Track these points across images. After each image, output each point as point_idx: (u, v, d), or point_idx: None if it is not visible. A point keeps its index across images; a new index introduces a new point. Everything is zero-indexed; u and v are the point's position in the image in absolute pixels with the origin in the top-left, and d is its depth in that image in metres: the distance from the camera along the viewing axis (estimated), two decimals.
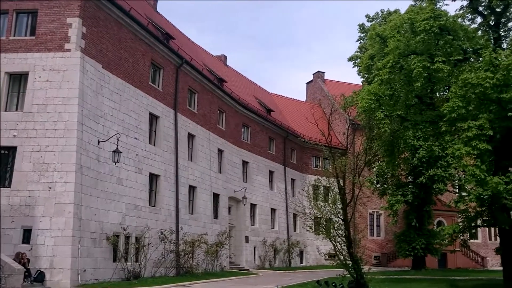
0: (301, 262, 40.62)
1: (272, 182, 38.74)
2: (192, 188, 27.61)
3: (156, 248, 22.65)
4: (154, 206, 23.82)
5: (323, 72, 52.40)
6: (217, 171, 30.89)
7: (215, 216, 30.03)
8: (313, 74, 52.90)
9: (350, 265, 18.46)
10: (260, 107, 39.06)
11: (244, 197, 33.34)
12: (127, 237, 21.11)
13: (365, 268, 19.10)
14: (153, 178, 24.05)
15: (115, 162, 20.22)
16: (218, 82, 32.19)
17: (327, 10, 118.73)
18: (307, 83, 54.74)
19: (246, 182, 34.93)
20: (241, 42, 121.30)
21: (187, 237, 25.43)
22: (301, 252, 40.76)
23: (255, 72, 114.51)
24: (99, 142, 19.88)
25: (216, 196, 30.44)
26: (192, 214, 27.33)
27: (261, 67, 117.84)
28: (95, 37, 20.27)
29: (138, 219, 22.02)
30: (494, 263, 44.35)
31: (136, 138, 22.64)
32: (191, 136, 28.23)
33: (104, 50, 20.85)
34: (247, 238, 33.95)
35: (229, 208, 32.79)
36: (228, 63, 42.08)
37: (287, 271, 32.73)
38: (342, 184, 18.99)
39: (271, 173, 38.55)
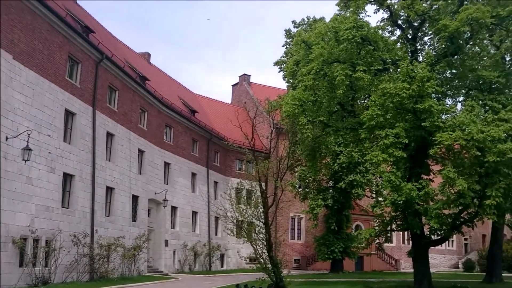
0: (222, 266, 40.62)
1: (195, 185, 38.43)
2: (109, 189, 26.70)
3: (68, 252, 21.65)
4: (68, 208, 22.75)
5: (249, 75, 52.91)
6: (137, 172, 30.12)
7: (134, 218, 29.25)
8: (239, 76, 53.26)
9: (269, 269, 18.74)
10: (184, 107, 38.64)
11: (165, 200, 32.77)
12: (36, 241, 19.97)
13: (285, 271, 19.48)
14: (67, 178, 22.97)
15: (25, 161, 19.08)
16: (140, 80, 31.42)
17: (256, 12, 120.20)
18: (233, 85, 55.00)
19: (167, 184, 34.37)
20: (167, 41, 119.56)
21: (102, 241, 24.53)
22: (222, 256, 40.78)
23: (181, 72, 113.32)
24: (7, 138, 18.65)
25: (135, 198, 29.66)
26: (109, 216, 26.42)
27: (187, 67, 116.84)
28: (5, 25, 19.00)
29: (49, 221, 20.91)
30: (407, 265, 46.97)
31: (49, 136, 21.49)
32: (110, 135, 27.30)
33: (15, 40, 19.61)
34: (166, 241, 33.38)
35: (149, 210, 32.08)
36: (152, 61, 41.26)
37: (207, 275, 32.59)
38: (264, 188, 19.26)
39: (193, 175, 38.23)
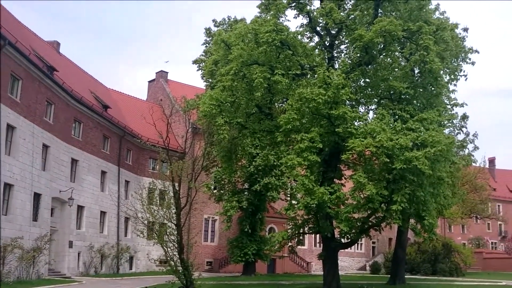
0: (131, 269, 39.59)
1: (104, 183, 37.13)
2: (8, 186, 25.05)
3: None
4: None
5: (167, 72, 52.13)
6: (40, 169, 28.52)
7: (35, 218, 27.66)
8: (156, 73, 52.29)
9: (180, 271, 18.60)
10: (96, 102, 37.21)
11: (71, 198, 31.33)
12: None
13: (196, 274, 19.43)
14: None
15: None
16: (48, 70, 29.80)
17: (176, 8, 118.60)
18: (149, 82, 53.90)
19: (74, 182, 32.88)
20: (81, 31, 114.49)
21: None
22: (131, 258, 39.74)
23: (94, 65, 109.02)
24: None
25: (37, 196, 28.05)
26: (6, 215, 24.77)
27: (101, 60, 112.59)
28: None
29: None
30: (318, 268, 48.63)
31: None
32: (10, 128, 25.63)
33: None
34: (71, 243, 31.93)
35: (52, 209, 30.49)
36: (63, 51, 39.33)
37: (114, 278, 31.61)
38: (177, 188, 19.09)
39: (103, 173, 36.92)
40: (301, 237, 26.33)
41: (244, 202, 35.51)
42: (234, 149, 25.86)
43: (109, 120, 37.27)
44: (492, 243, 72.83)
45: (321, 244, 28.86)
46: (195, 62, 39.70)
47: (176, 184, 19.19)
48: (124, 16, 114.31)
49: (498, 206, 72.57)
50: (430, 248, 45.25)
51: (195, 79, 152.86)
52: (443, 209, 28.95)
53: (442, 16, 25.21)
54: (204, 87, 38.68)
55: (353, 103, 23.79)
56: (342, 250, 41.49)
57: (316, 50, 24.74)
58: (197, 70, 39.54)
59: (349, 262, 55.67)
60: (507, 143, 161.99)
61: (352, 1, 24.39)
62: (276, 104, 26.95)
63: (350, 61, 23.63)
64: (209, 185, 34.93)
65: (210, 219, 45.27)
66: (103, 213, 36.59)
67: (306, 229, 25.63)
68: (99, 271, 34.66)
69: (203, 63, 36.29)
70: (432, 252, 45.61)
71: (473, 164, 35.50)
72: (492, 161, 78.07)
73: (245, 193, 36.95)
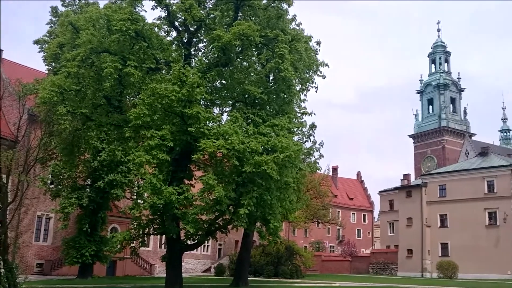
0: None
1: None
2: None
3: None
4: None
5: (1, 50, 47.51)
6: None
7: None
8: None
9: (2, 274, 17.19)
10: None
11: None
12: None
13: (21, 277, 18.13)
14: None
15: None
16: None
17: None
18: None
19: None
20: None
21: None
22: None
23: None
24: None
25: None
26: None
27: None
28: None
29: None
30: (161, 270, 48.35)
31: None
32: None
33: None
34: None
35: None
36: None
37: None
38: (4, 181, 17.61)
39: None
40: (145, 238, 25.99)
41: (84, 199, 33.98)
42: (77, 141, 24.66)
43: None
44: (330, 246, 79.55)
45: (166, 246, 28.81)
46: (36, 42, 36.85)
47: (4, 176, 17.67)
48: None
49: (338, 212, 79.52)
50: (274, 251, 47.79)
51: (35, 61, 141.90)
52: (288, 213, 30.74)
53: (298, 27, 26.88)
54: (46, 71, 36.15)
55: (208, 103, 24.18)
56: (188, 252, 41.91)
57: (173, 46, 24.68)
58: (39, 51, 36.79)
59: (194, 264, 56.37)
60: (349, 153, 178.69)
61: (213, 1, 24.80)
62: (127, 97, 26.28)
63: (207, 61, 23.99)
64: (45, 179, 32.74)
65: (44, 216, 42.29)
66: None
67: (151, 229, 25.39)
68: None
69: (46, 45, 33.86)
70: (275, 254, 48.26)
71: (318, 171, 38.25)
72: (335, 169, 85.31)
73: (87, 189, 35.39)
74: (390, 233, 66.62)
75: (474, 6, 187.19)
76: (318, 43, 27.26)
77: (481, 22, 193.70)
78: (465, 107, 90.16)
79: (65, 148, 24.30)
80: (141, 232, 25.04)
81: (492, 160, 58.38)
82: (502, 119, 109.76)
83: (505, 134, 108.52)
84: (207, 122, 22.13)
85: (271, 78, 25.31)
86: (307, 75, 28.17)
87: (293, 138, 25.15)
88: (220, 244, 59.19)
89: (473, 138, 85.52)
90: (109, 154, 28.29)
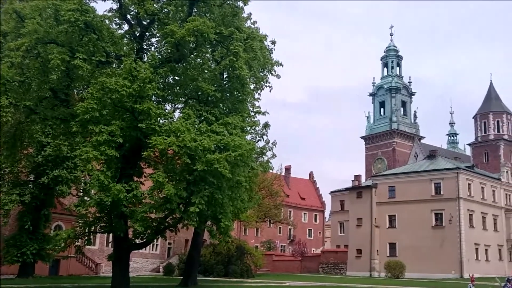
0: None
1: None
2: None
3: None
4: None
5: None
6: None
7: None
8: None
9: None
10: None
11: None
12: None
13: None
14: None
15: None
16: None
17: None
18: None
19: None
20: None
21: None
22: None
23: None
24: None
25: None
26: None
27: None
28: None
29: None
30: (108, 269, 47.40)
31: None
32: None
33: None
34: None
35: None
36: None
37: None
38: None
39: None
40: (91, 236, 25.45)
41: (27, 195, 32.94)
42: (20, 135, 23.89)
43: None
44: (282, 246, 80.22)
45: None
46: None
47: None
48: None
49: (290, 211, 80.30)
50: (224, 250, 47.72)
51: None
52: (239, 212, 30.81)
53: (253, 26, 26.87)
54: None
55: (160, 99, 23.89)
56: (136, 251, 41.27)
57: (125, 39, 24.26)
58: None
59: (142, 264, 55.58)
60: (301, 153, 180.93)
61: None
62: (74, 90, 25.58)
63: (159, 56, 23.71)
64: None
65: None
66: None
67: (97, 228, 24.89)
68: None
69: None
70: (226, 254, 48.21)
71: (271, 171, 38.48)
72: (288, 169, 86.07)
73: (30, 185, 34.29)
74: (341, 233, 67.80)
75: (427, 13, 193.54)
76: (273, 42, 27.38)
77: (434, 29, 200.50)
78: (415, 111, 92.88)
79: (7, 141, 23.49)
80: (87, 230, 24.53)
81: (440, 163, 60.49)
82: (450, 123, 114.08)
83: (452, 138, 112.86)
84: (159, 118, 21.90)
85: (225, 76, 25.27)
86: (262, 74, 28.24)
87: (246, 137, 25.21)
88: (169, 243, 58.63)
89: (422, 141, 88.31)
90: (54, 149, 27.48)
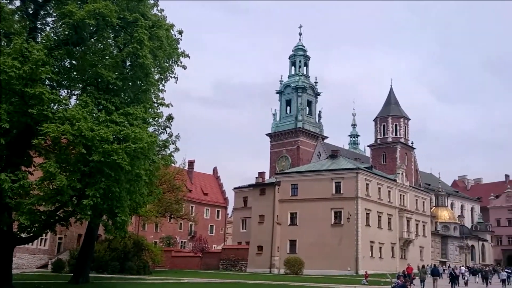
0: None
1: None
2: None
3: None
4: None
5: None
6: None
7: None
8: None
9: None
10: None
11: None
12: None
13: None
14: None
15: None
16: None
17: None
18: None
19: None
20: None
21: None
22: None
23: None
24: None
25: None
26: None
27: None
28: None
29: None
30: None
31: None
32: None
33: None
34: None
35: None
36: None
37: None
38: None
39: None
40: None
41: None
42: None
43: None
44: (182, 242, 79.82)
45: None
46: None
47: None
48: None
49: (192, 207, 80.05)
50: (121, 246, 46.65)
51: None
52: (138, 206, 30.14)
53: (160, 14, 26.30)
54: None
55: (54, 84, 22.69)
56: (21, 246, 39.09)
57: (16, 16, 22.71)
58: None
59: (28, 260, 52.62)
60: (206, 148, 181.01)
61: None
62: None
63: (55, 37, 22.47)
64: None
65: None
66: None
67: None
68: None
69: None
70: (122, 250, 47.10)
71: (173, 164, 38.02)
72: (191, 163, 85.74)
73: None
74: (243, 229, 68.77)
75: (338, 15, 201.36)
76: (180, 32, 26.93)
77: (342, 32, 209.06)
78: (320, 111, 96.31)
79: None
80: None
81: (341, 163, 63.32)
82: (351, 125, 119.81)
83: (353, 139, 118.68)
84: (52, 104, 20.85)
85: (127, 63, 24.56)
86: (167, 64, 27.75)
87: (148, 129, 24.70)
88: (60, 238, 55.98)
89: (325, 140, 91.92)
90: None
